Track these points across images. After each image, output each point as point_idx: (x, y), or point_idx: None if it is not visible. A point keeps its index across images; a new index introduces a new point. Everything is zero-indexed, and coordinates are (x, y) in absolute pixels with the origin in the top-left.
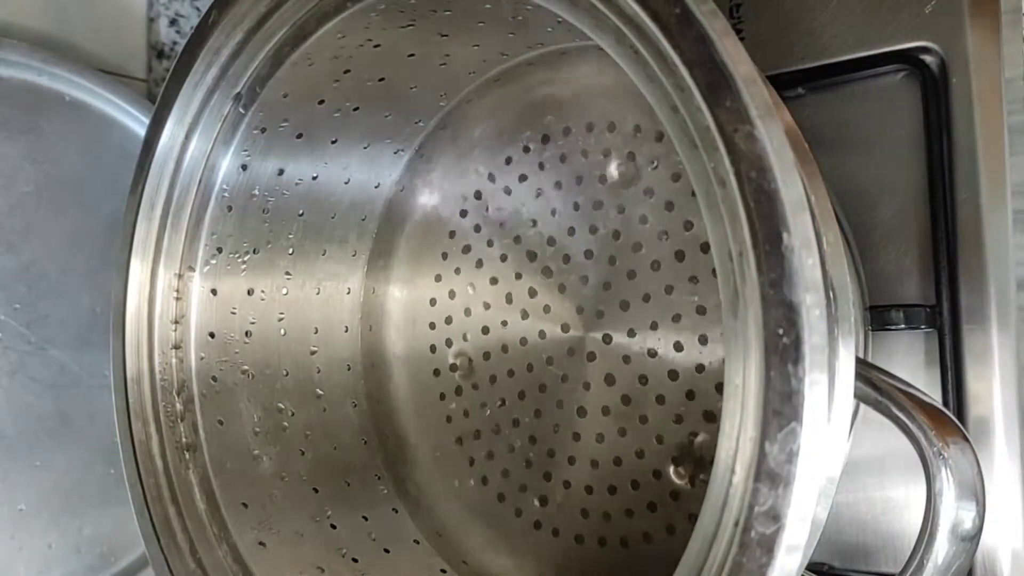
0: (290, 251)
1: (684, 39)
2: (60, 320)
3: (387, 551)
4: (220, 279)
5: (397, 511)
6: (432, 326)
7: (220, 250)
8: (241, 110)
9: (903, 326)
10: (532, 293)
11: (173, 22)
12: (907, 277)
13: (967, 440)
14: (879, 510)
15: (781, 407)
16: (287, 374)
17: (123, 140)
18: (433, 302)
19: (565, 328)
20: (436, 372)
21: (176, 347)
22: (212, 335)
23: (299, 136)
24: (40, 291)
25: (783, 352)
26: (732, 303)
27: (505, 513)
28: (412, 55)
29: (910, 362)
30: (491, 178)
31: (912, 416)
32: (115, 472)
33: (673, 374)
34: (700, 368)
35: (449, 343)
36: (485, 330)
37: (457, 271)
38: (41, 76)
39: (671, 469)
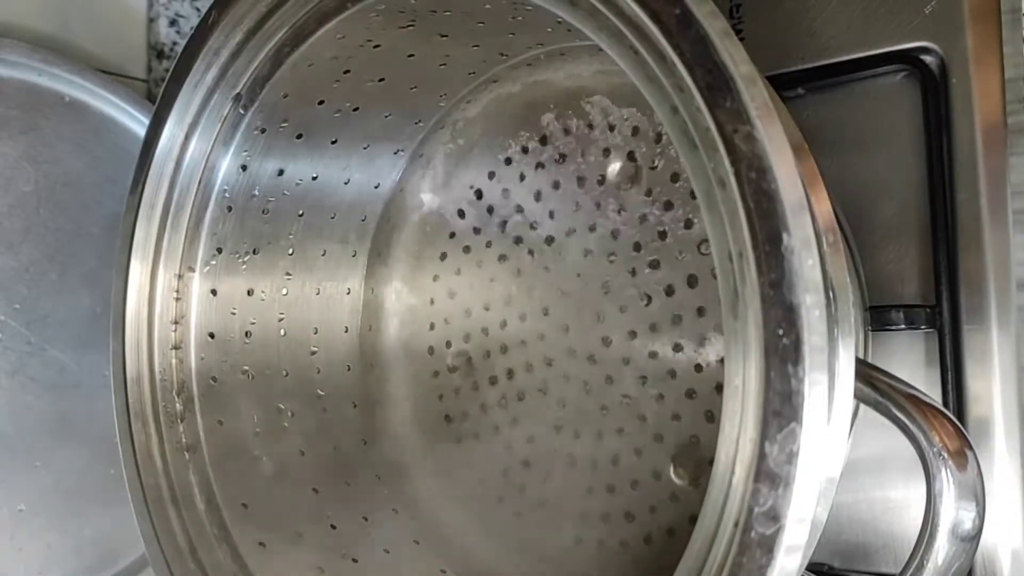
0: (290, 251)
1: (684, 39)
2: (60, 320)
3: (387, 551)
4: (220, 279)
5: (397, 512)
6: (432, 326)
7: (220, 250)
8: (241, 110)
9: (903, 326)
10: (531, 293)
11: (173, 22)
12: (907, 277)
13: (967, 440)
14: (879, 510)
15: (781, 407)
16: (287, 374)
17: (123, 140)
18: (433, 302)
19: (564, 329)
20: (435, 373)
21: (176, 347)
22: (212, 335)
23: (299, 136)
24: (40, 291)
25: (783, 352)
26: (732, 304)
27: (504, 514)
28: (412, 55)
29: (910, 362)
30: (490, 178)
31: (912, 416)
32: (115, 472)
33: (673, 374)
34: (699, 368)
35: (448, 344)
36: (484, 331)
37: (457, 271)
38: (41, 76)
39: (671, 470)
